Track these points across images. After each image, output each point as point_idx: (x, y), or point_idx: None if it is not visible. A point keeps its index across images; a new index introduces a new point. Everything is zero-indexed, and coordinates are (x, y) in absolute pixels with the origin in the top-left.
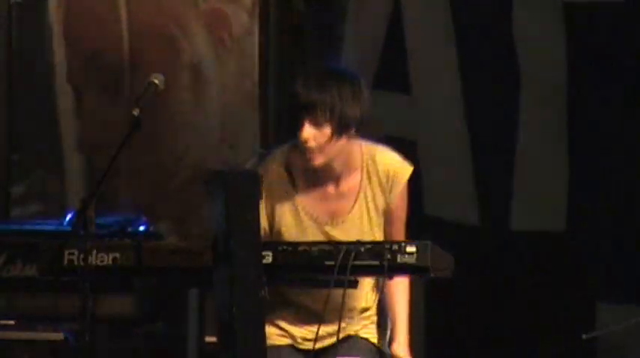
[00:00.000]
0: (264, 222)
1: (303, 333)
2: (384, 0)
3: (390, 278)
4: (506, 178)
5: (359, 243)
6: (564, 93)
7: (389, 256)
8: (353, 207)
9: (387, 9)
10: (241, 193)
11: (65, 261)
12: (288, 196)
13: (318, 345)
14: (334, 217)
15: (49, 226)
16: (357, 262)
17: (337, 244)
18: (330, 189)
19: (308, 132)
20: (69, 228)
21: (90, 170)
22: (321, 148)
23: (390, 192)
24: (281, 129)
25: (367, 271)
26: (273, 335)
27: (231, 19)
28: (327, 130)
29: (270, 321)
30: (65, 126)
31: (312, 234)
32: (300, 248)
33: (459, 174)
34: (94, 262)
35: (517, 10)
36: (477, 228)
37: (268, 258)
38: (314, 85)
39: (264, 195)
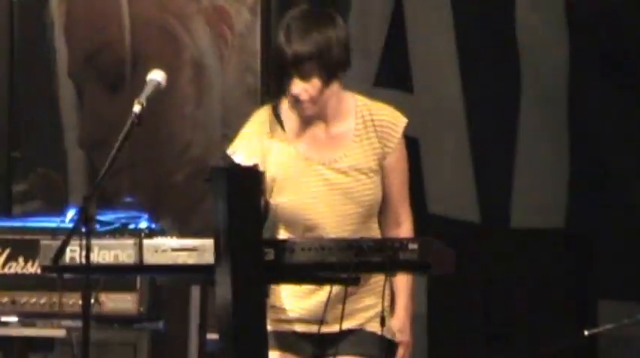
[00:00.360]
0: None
1: (305, 312)
2: None
3: (393, 275)
4: (506, 176)
5: (361, 239)
6: (565, 91)
7: (391, 253)
8: (347, 148)
9: (389, 7)
10: (243, 190)
11: (67, 258)
12: (280, 139)
13: (324, 329)
14: (328, 159)
15: (50, 223)
16: (359, 259)
17: (339, 241)
18: (321, 133)
19: (299, 86)
20: (71, 225)
21: (92, 166)
22: (313, 99)
23: (386, 143)
24: None
25: (369, 268)
26: (276, 322)
27: (232, 15)
28: (317, 81)
29: (274, 308)
30: (67, 123)
31: (309, 174)
32: (303, 244)
33: (460, 171)
34: (95, 259)
35: (519, 8)
36: (478, 225)
37: (270, 254)
38: (297, 37)
39: (255, 147)
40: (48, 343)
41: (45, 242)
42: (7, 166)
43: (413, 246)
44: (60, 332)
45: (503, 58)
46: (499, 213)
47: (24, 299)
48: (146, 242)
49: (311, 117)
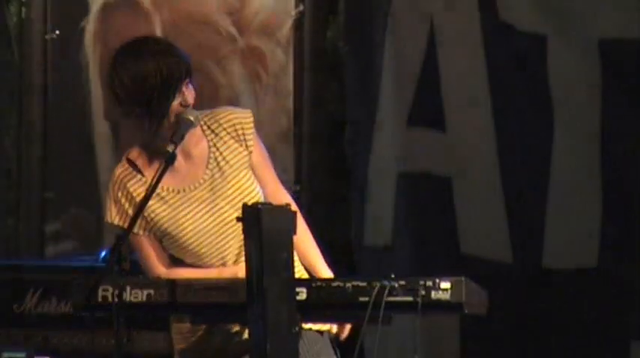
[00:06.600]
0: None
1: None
2: (419, 37)
3: (424, 315)
4: (538, 216)
5: (393, 278)
6: (598, 130)
7: (423, 292)
8: (204, 171)
9: (422, 48)
10: (275, 230)
11: (99, 298)
12: (144, 186)
13: None
14: (191, 185)
15: (83, 263)
16: (391, 298)
17: (371, 280)
18: (180, 162)
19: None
20: (103, 265)
21: None
22: None
23: (245, 139)
24: (314, 165)
25: (401, 307)
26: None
27: (267, 55)
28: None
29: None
30: (101, 163)
31: (182, 204)
32: (334, 284)
33: (492, 211)
34: (128, 298)
35: (552, 46)
36: (510, 265)
37: (302, 294)
38: (163, 52)
39: (124, 204)
40: None
41: (77, 281)
42: (40, 206)
43: (445, 285)
44: None
45: (536, 96)
46: (531, 254)
47: (57, 339)
48: (179, 281)
49: (161, 150)
